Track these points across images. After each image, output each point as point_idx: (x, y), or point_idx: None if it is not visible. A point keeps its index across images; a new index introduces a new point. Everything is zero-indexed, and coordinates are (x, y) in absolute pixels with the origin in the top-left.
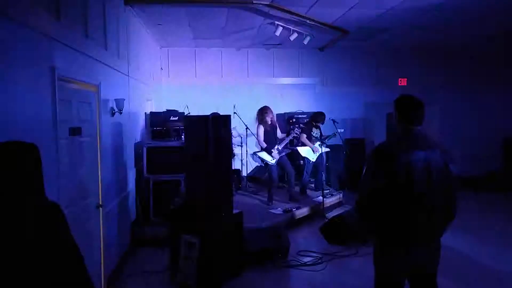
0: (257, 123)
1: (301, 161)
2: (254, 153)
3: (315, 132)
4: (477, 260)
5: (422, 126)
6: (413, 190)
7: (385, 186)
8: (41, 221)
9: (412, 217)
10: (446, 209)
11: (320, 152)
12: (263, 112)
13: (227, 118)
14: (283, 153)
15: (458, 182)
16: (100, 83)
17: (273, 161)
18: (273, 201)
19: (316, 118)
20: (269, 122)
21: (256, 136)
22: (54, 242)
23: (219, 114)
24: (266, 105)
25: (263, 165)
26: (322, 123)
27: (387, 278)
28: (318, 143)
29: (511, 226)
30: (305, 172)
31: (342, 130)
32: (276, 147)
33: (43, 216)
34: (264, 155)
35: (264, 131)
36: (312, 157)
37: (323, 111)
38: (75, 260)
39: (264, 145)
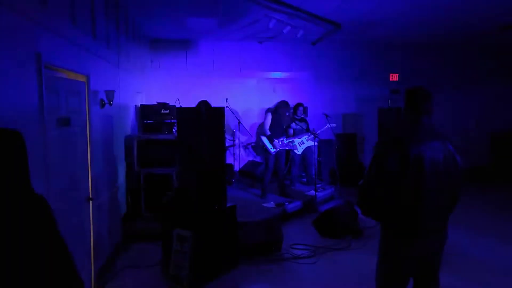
0: (268, 111)
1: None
2: (260, 137)
3: (298, 126)
4: (466, 251)
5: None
6: (422, 180)
7: (395, 175)
8: (25, 212)
9: (421, 207)
10: (451, 201)
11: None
12: (281, 103)
13: (221, 111)
14: (285, 148)
15: (463, 174)
16: (89, 73)
17: (273, 150)
18: (266, 194)
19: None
20: (282, 114)
21: (263, 123)
22: (40, 234)
23: (207, 102)
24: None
25: (261, 152)
26: (295, 112)
27: (394, 272)
28: (305, 137)
29: (497, 218)
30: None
31: (334, 125)
32: (281, 139)
33: (28, 207)
34: (267, 141)
35: (272, 119)
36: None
37: (316, 105)
38: (61, 254)
39: (268, 132)
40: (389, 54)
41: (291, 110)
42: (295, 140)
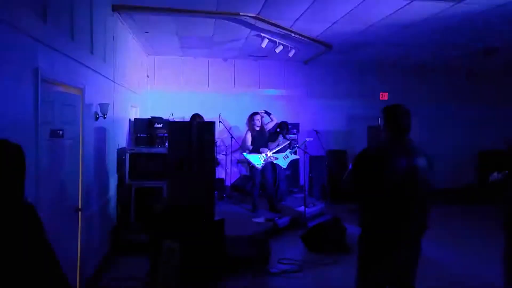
0: (246, 129)
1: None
2: (244, 155)
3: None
4: (450, 270)
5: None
6: (398, 194)
7: (371, 189)
8: (18, 221)
9: (396, 220)
10: (424, 216)
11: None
12: (251, 118)
13: (211, 125)
14: (269, 160)
15: (433, 190)
16: (84, 86)
17: (259, 165)
18: (257, 209)
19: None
20: (258, 128)
21: (243, 141)
22: (31, 242)
23: (200, 115)
24: (255, 111)
25: (248, 168)
26: (283, 132)
27: (371, 279)
28: (288, 151)
29: (482, 237)
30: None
31: (311, 139)
32: (265, 152)
33: (19, 214)
34: (252, 157)
35: (252, 137)
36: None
37: (307, 122)
38: (49, 260)
39: (250, 147)
40: (379, 74)
41: (264, 116)
42: (280, 154)
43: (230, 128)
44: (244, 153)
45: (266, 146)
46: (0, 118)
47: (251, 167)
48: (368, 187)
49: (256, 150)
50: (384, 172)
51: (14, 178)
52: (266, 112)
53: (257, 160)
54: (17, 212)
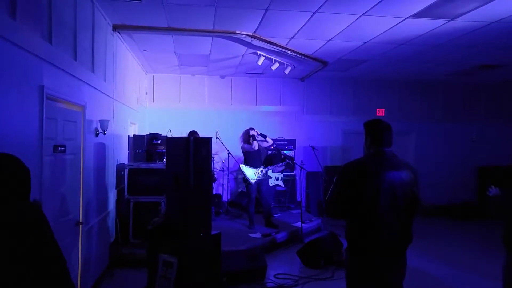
0: (242, 143)
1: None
2: (240, 166)
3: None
4: (446, 284)
5: (392, 148)
6: (379, 206)
7: (353, 201)
8: (29, 219)
9: (377, 231)
10: (406, 229)
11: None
12: (247, 133)
13: (208, 140)
14: (264, 177)
15: (420, 203)
16: (85, 103)
17: (253, 180)
18: (254, 225)
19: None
20: (253, 143)
21: (244, 150)
22: (40, 240)
23: (197, 132)
24: (251, 127)
25: (242, 181)
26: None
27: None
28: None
29: (481, 253)
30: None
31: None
32: (260, 169)
33: (30, 214)
34: (247, 170)
35: (248, 150)
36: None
37: (304, 138)
38: (58, 260)
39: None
40: (375, 90)
41: (255, 134)
42: (273, 173)
43: (227, 144)
44: (241, 165)
45: (261, 161)
46: (7, 134)
47: (245, 180)
48: (350, 200)
49: (251, 165)
50: (364, 185)
51: (23, 190)
52: (261, 135)
53: (252, 174)
54: (28, 210)
